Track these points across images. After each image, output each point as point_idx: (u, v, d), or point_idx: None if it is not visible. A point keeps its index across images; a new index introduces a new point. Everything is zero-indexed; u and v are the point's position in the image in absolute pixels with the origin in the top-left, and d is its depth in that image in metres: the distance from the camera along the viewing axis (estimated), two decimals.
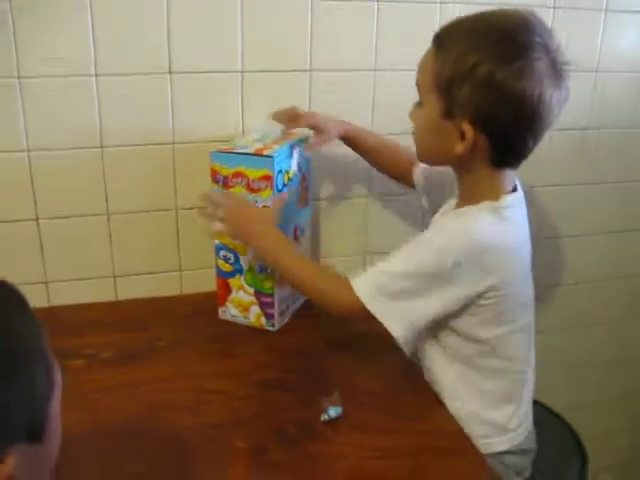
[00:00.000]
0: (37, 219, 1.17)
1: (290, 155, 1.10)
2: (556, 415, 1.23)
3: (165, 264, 1.27)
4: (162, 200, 1.22)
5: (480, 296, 0.89)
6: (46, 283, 1.22)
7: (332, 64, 1.21)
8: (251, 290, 1.14)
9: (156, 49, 1.12)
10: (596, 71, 1.38)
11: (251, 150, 1.06)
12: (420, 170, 1.13)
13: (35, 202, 1.16)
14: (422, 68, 0.90)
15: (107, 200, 1.19)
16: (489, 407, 0.97)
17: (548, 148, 1.25)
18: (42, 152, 1.13)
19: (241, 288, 1.14)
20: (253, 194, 1.06)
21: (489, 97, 0.82)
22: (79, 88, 1.11)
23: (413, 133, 0.95)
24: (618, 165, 1.49)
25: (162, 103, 1.15)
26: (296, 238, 1.18)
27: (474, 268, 0.86)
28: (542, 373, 1.08)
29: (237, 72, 1.17)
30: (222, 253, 1.13)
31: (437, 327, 0.94)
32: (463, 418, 0.95)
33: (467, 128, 0.85)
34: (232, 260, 1.12)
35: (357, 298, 0.90)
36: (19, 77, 1.07)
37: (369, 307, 0.89)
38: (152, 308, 1.24)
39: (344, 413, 0.94)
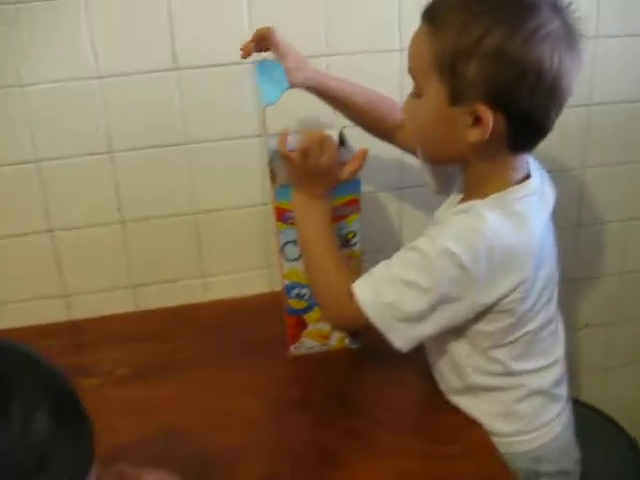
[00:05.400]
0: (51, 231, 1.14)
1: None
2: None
3: (186, 271, 1.23)
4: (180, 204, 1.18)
5: (498, 302, 0.80)
6: (66, 297, 1.19)
7: (349, 47, 1.10)
8: None
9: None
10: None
11: None
12: None
13: (47, 214, 1.13)
14: (415, 52, 0.79)
15: (120, 209, 1.15)
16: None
17: None
18: (54, 161, 1.10)
19: (320, 319, 1.04)
20: (336, 222, 0.95)
21: (503, 70, 0.72)
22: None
23: (412, 131, 0.85)
24: None
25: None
26: None
27: (487, 273, 0.76)
28: None
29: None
30: (294, 292, 1.02)
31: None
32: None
33: (482, 109, 0.74)
34: (307, 296, 1.02)
35: (361, 312, 0.81)
36: None
37: (374, 322, 0.81)
38: (175, 318, 1.19)
39: (367, 434, 0.88)
